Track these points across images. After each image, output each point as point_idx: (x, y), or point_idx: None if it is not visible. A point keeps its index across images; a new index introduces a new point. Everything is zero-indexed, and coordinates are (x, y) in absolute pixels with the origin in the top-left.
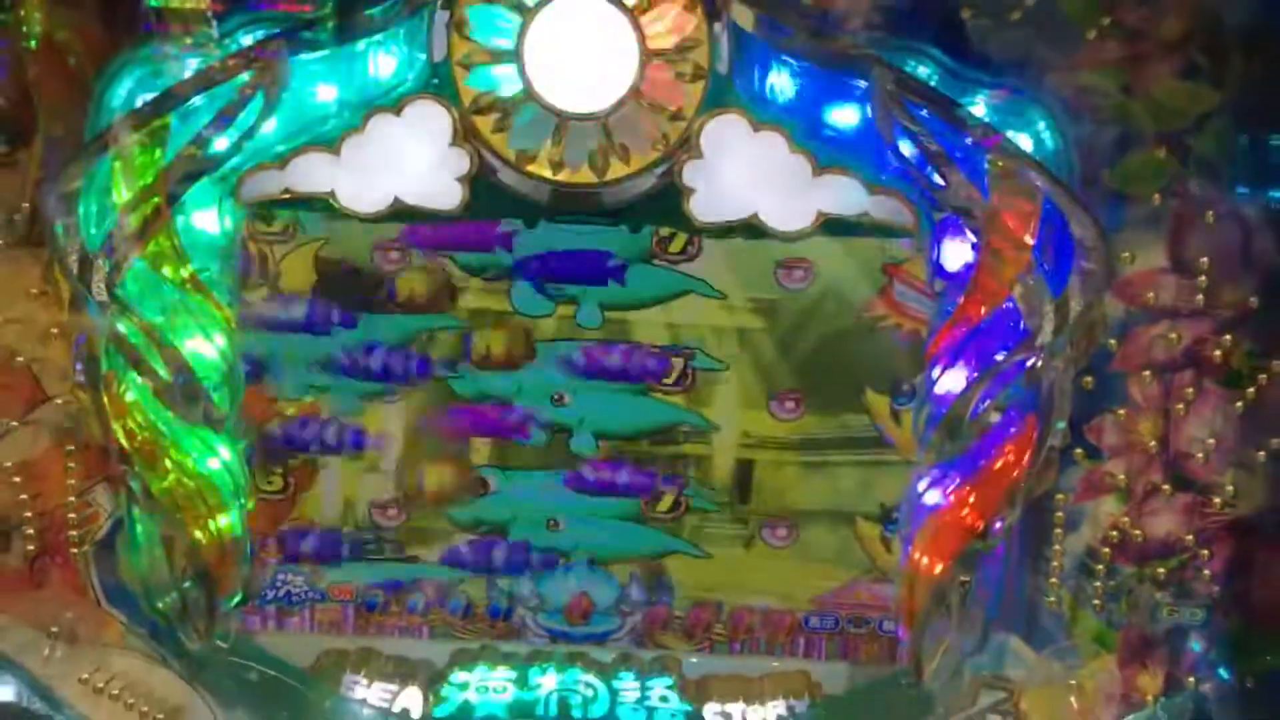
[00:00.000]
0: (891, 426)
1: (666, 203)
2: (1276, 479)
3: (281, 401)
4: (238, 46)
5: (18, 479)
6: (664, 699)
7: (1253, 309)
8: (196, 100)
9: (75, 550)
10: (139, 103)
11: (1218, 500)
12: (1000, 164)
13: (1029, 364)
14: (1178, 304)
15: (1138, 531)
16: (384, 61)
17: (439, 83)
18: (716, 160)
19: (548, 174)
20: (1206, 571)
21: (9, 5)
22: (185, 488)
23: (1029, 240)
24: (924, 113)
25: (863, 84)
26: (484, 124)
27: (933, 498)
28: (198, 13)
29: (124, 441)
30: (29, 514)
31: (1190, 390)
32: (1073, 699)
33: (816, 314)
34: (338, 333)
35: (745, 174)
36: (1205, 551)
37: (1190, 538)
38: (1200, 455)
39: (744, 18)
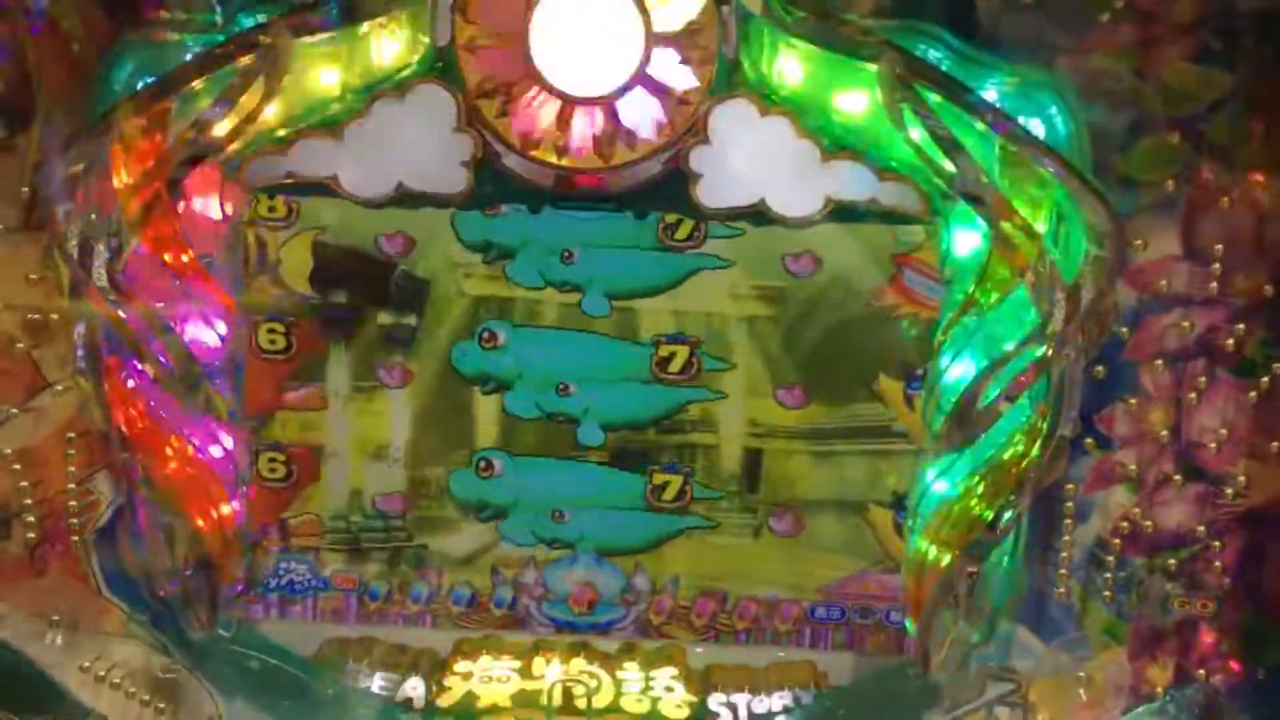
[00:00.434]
0: (905, 412)
1: (673, 188)
2: None
3: (285, 390)
4: (240, 30)
5: (18, 466)
6: (669, 689)
7: (1267, 297)
8: (198, 84)
9: (76, 538)
10: (140, 86)
11: (1230, 491)
12: (1011, 149)
13: (1040, 353)
14: (1191, 292)
15: (1148, 522)
16: (388, 45)
17: (443, 67)
18: (724, 145)
19: (552, 159)
20: (1218, 563)
21: None
22: (186, 475)
23: (1040, 227)
24: (934, 97)
25: (872, 68)
26: (488, 108)
27: (941, 487)
28: None
29: (125, 428)
30: (29, 501)
31: (1203, 379)
32: (1082, 691)
33: (825, 301)
34: None
35: (753, 159)
36: (1217, 543)
37: (1202, 529)
38: (1212, 445)
39: (752, 0)
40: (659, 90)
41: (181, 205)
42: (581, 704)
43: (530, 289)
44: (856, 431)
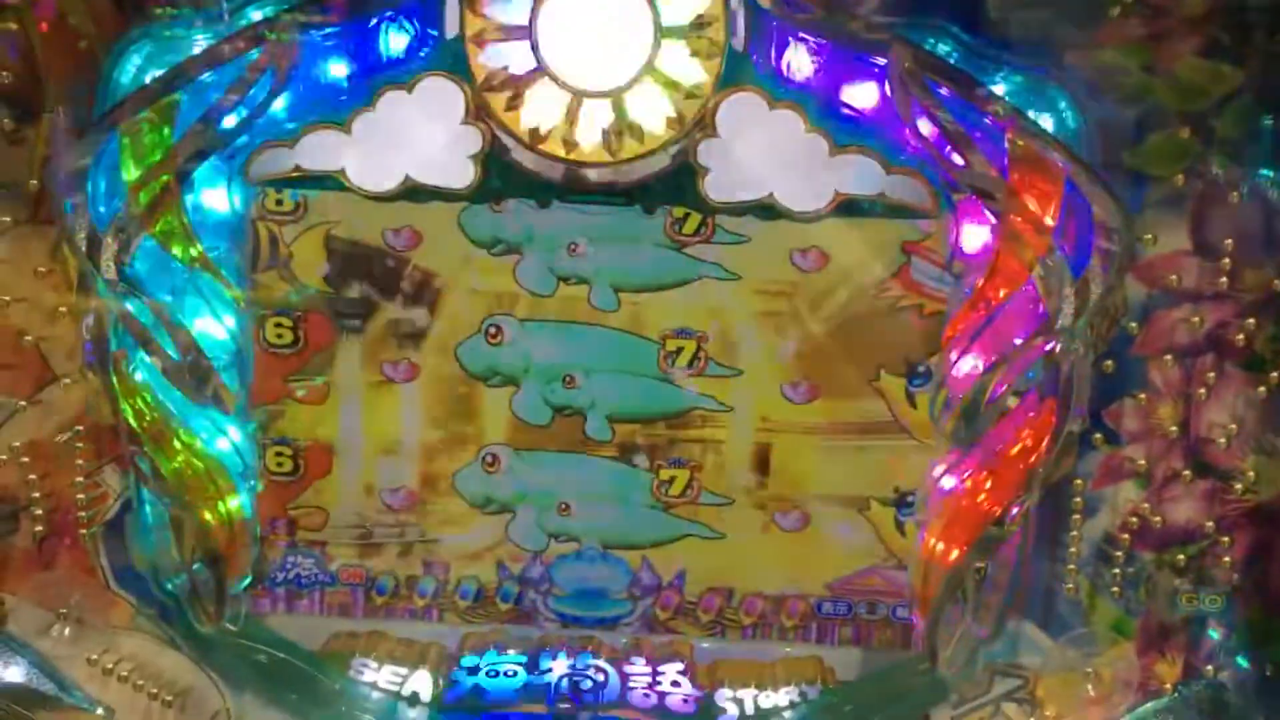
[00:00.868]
0: (906, 409)
1: (681, 182)
2: None
3: (292, 382)
4: (247, 23)
5: (26, 459)
6: (675, 684)
7: (1276, 292)
8: (206, 77)
9: (84, 531)
10: (148, 79)
11: (1239, 486)
12: (1021, 144)
13: (1048, 348)
14: (1200, 287)
15: (1157, 518)
16: (395, 38)
17: (451, 60)
18: (732, 139)
19: (561, 153)
20: (1226, 558)
21: None
22: (194, 469)
23: (1049, 222)
24: (943, 91)
25: (881, 62)
26: (496, 102)
27: (949, 483)
28: None
29: (133, 422)
30: (37, 494)
31: (1212, 375)
32: (1090, 687)
33: (832, 296)
34: None
35: (761, 153)
36: (1225, 538)
37: (1210, 524)
38: (1221, 441)
39: None
40: (667, 84)
41: (189, 199)
42: (589, 699)
43: (542, 296)
44: (862, 427)
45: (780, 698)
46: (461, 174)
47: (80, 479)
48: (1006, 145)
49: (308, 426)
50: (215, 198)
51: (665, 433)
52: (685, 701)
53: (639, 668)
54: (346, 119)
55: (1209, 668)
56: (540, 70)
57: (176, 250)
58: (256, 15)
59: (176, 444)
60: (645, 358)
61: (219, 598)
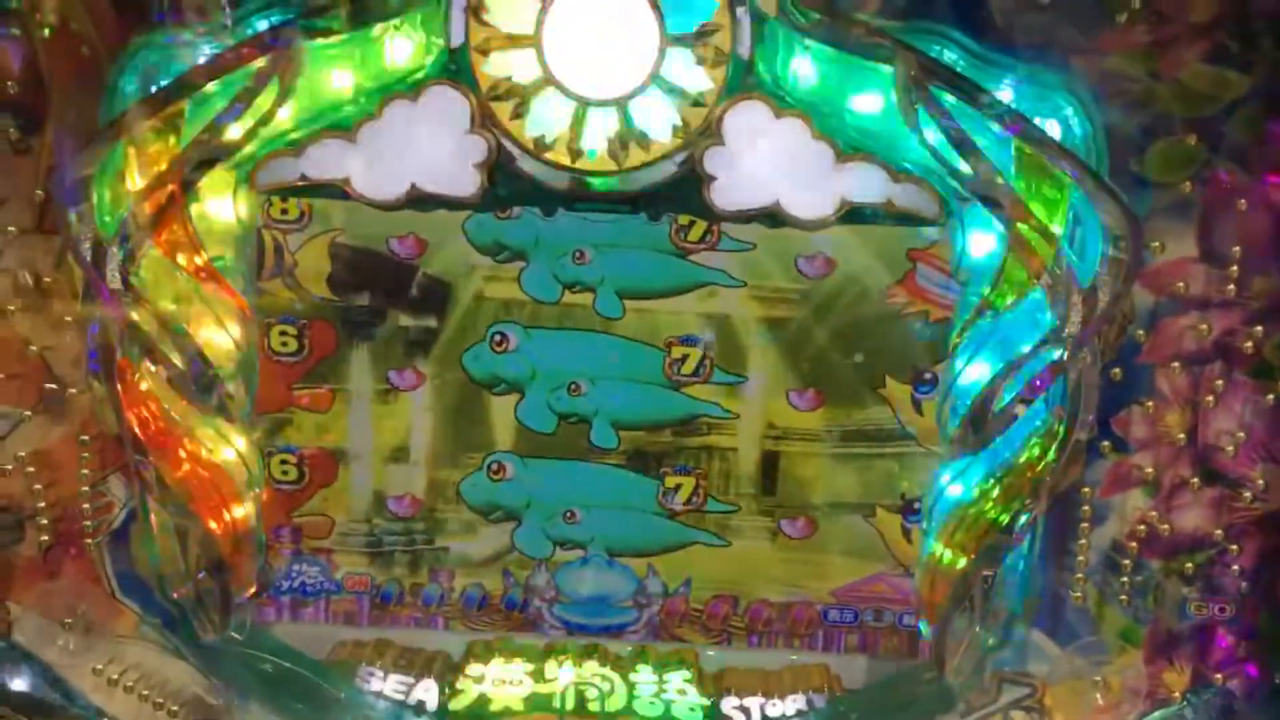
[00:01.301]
0: (912, 416)
1: (686, 191)
2: None
3: (297, 390)
4: (252, 32)
5: (32, 468)
6: (681, 692)
7: None
8: (211, 87)
9: (89, 540)
10: (153, 89)
11: (1247, 494)
12: (1027, 151)
13: (1056, 355)
14: (1208, 294)
15: (1165, 526)
16: (400, 47)
17: (456, 68)
18: (738, 147)
19: (566, 161)
20: (1235, 566)
21: None
22: (199, 478)
23: (1056, 229)
24: (949, 98)
25: (887, 69)
26: (502, 110)
27: (956, 490)
28: None
29: (138, 431)
30: (43, 504)
31: (1220, 382)
32: (1098, 695)
33: (838, 303)
34: None
35: (767, 161)
36: (1234, 546)
37: (1219, 532)
38: (1229, 448)
39: (766, 1)
40: (673, 92)
41: (194, 207)
42: (594, 707)
43: (547, 303)
44: (868, 435)
45: (787, 706)
46: (467, 183)
47: (86, 488)
48: (1013, 152)
49: (313, 434)
50: (220, 206)
51: (671, 440)
52: (692, 710)
53: (645, 676)
54: (352, 128)
55: (1218, 676)
56: (545, 79)
57: (181, 259)
58: (262, 24)
59: (182, 453)
60: (651, 365)
61: (224, 606)
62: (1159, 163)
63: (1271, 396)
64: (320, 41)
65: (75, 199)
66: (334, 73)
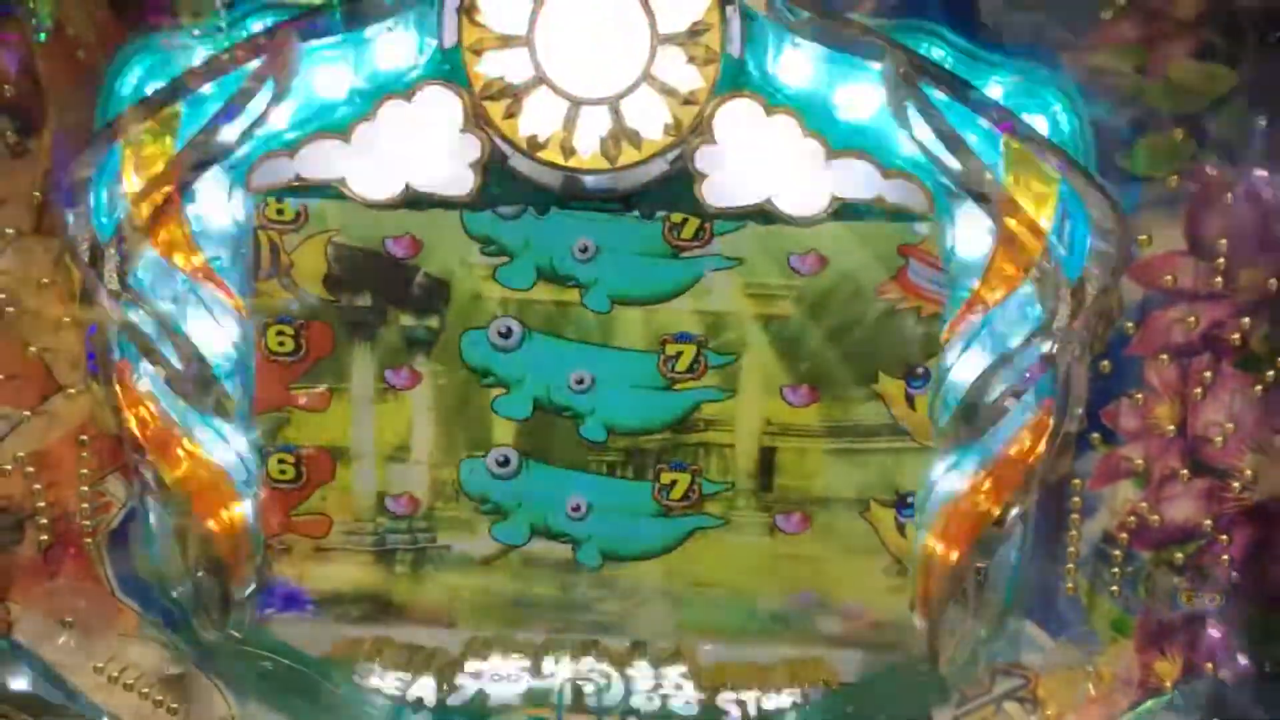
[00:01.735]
0: (905, 411)
1: (679, 188)
2: None
3: (295, 389)
4: (247, 34)
5: (31, 469)
6: (678, 687)
7: (1271, 292)
8: (206, 88)
9: (89, 540)
10: (149, 91)
11: (1236, 485)
12: (1015, 146)
13: (1045, 349)
14: (1196, 287)
15: (1155, 517)
16: (394, 47)
17: (450, 69)
18: (729, 145)
19: (559, 160)
20: (1225, 557)
21: None
22: (198, 477)
23: (1045, 224)
24: (938, 95)
25: (876, 66)
26: (495, 110)
27: (948, 484)
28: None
29: (137, 431)
30: (42, 504)
31: (1208, 374)
32: (1090, 685)
33: (830, 300)
34: None
35: (758, 158)
36: (1224, 537)
37: (1208, 523)
38: (1218, 440)
39: (756, 0)
40: (664, 91)
41: (191, 209)
42: (591, 702)
43: (541, 301)
44: (862, 430)
45: (783, 699)
46: (461, 182)
47: (85, 488)
48: (1001, 148)
49: (311, 433)
50: (216, 207)
51: (666, 437)
52: (688, 704)
53: (642, 671)
54: (346, 128)
55: (1209, 665)
56: (538, 78)
57: (178, 260)
58: (257, 26)
59: (180, 452)
60: (645, 362)
61: (223, 605)
62: (1146, 157)
63: (1259, 387)
64: (315, 43)
65: (73, 201)
66: (328, 74)
